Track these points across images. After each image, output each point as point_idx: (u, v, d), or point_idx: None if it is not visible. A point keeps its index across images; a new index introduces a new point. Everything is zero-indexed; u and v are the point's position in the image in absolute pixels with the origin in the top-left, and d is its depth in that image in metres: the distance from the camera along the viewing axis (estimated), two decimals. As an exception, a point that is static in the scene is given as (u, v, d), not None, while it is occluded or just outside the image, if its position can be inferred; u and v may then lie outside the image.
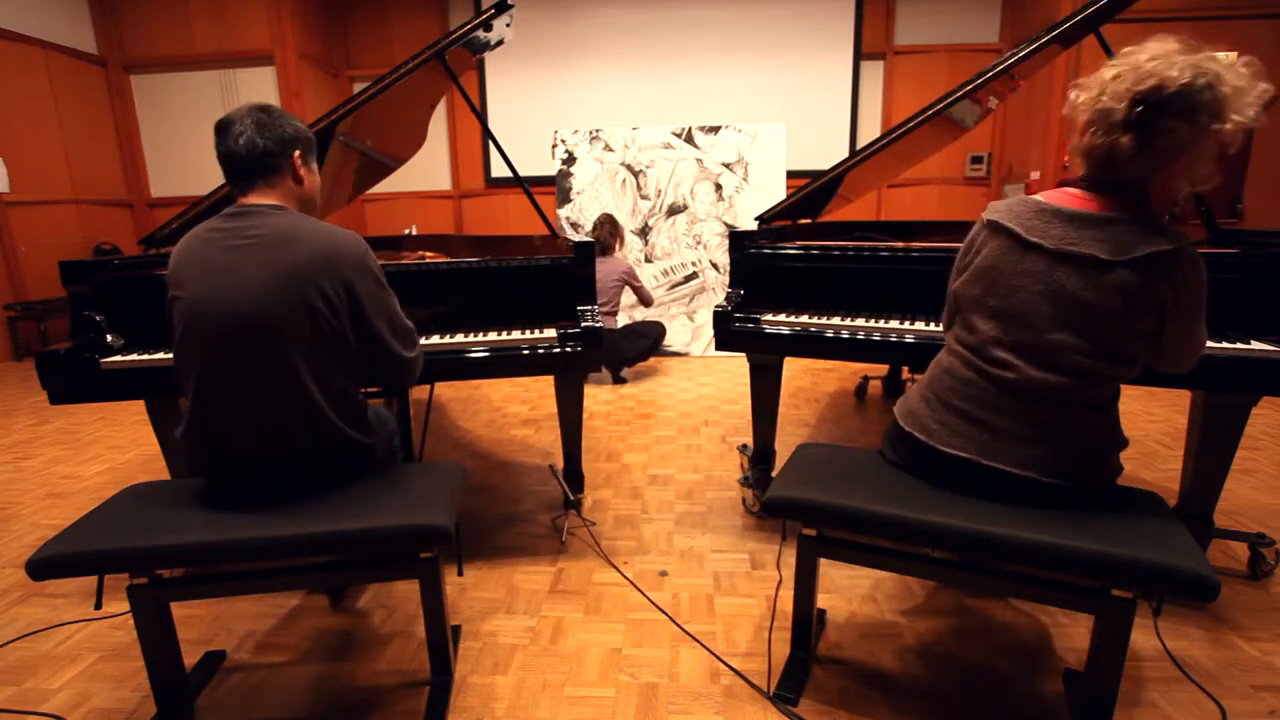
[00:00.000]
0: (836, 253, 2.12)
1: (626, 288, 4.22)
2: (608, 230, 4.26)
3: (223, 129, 1.39)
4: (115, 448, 3.28)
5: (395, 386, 1.62)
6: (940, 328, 1.90)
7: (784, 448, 2.60)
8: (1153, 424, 3.28)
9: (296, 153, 1.44)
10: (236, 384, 1.34)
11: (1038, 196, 1.36)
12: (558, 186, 5.00)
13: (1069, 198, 1.32)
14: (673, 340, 4.91)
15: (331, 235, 1.39)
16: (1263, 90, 1.17)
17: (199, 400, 1.37)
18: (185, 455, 1.45)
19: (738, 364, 4.62)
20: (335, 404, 1.42)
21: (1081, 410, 1.29)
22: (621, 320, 4.46)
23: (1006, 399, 1.32)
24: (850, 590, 1.91)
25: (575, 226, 4.99)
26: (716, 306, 2.18)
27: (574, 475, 2.35)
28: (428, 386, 3.12)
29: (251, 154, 1.38)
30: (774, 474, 2.36)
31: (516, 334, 2.04)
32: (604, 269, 4.05)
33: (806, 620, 1.56)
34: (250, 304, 1.30)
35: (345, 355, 1.43)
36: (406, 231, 6.34)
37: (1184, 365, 1.36)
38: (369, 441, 1.51)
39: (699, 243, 4.92)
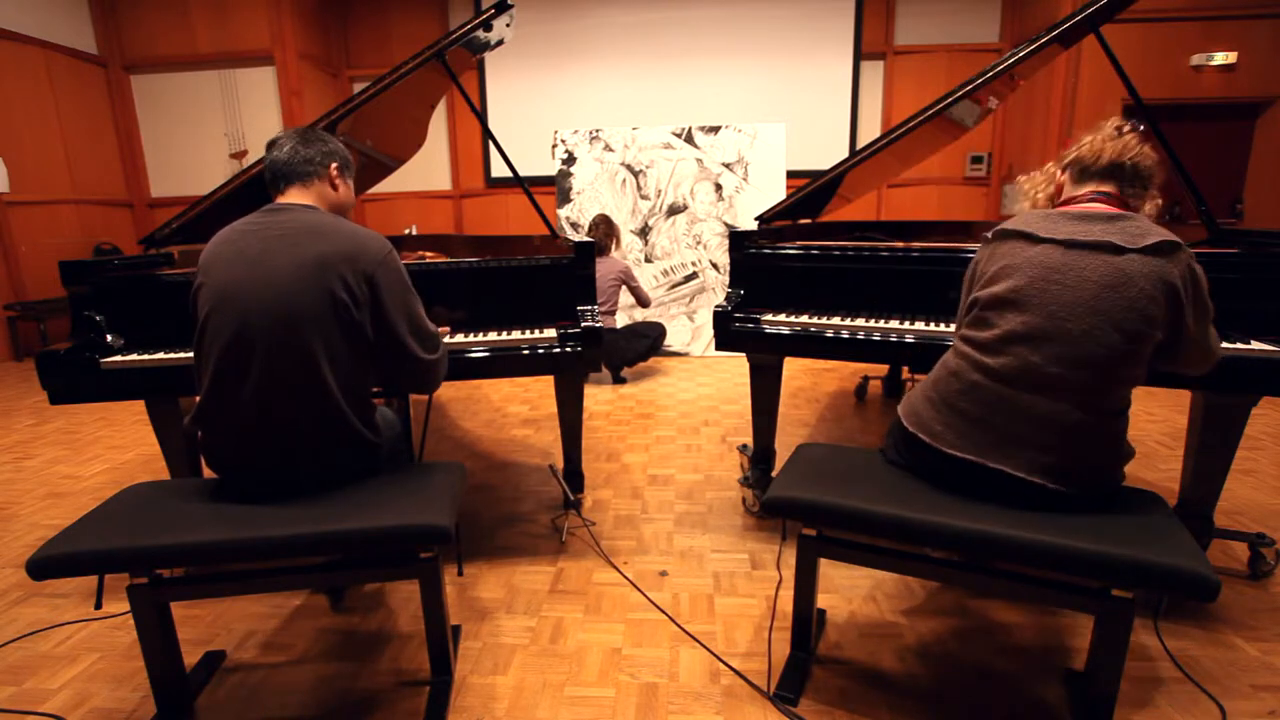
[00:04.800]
0: (836, 253, 2.12)
1: (624, 287, 4.22)
2: (603, 231, 4.26)
3: (271, 144, 1.52)
4: (115, 448, 3.28)
5: (415, 389, 1.64)
6: (942, 327, 1.91)
7: (784, 448, 2.60)
8: (1153, 424, 3.28)
9: (334, 165, 1.55)
10: (255, 370, 1.35)
11: (1041, 209, 1.43)
12: (558, 186, 5.00)
13: (1075, 208, 1.38)
14: (673, 340, 4.90)
15: (358, 232, 1.45)
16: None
17: (215, 386, 1.38)
18: (198, 441, 1.46)
19: (738, 364, 4.62)
20: (350, 399, 1.43)
21: (1090, 412, 1.28)
22: (621, 320, 4.46)
23: (1015, 395, 1.31)
24: (850, 590, 1.91)
25: (575, 226, 4.98)
26: (716, 306, 2.18)
27: (574, 475, 2.35)
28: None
29: (292, 159, 1.50)
30: (774, 474, 2.36)
31: (516, 334, 2.04)
32: (601, 269, 4.05)
33: (806, 620, 1.56)
34: (275, 289, 1.34)
35: (364, 352, 1.45)
36: (406, 231, 6.35)
37: (1209, 360, 1.39)
38: (378, 440, 1.52)
39: (699, 243, 4.92)
